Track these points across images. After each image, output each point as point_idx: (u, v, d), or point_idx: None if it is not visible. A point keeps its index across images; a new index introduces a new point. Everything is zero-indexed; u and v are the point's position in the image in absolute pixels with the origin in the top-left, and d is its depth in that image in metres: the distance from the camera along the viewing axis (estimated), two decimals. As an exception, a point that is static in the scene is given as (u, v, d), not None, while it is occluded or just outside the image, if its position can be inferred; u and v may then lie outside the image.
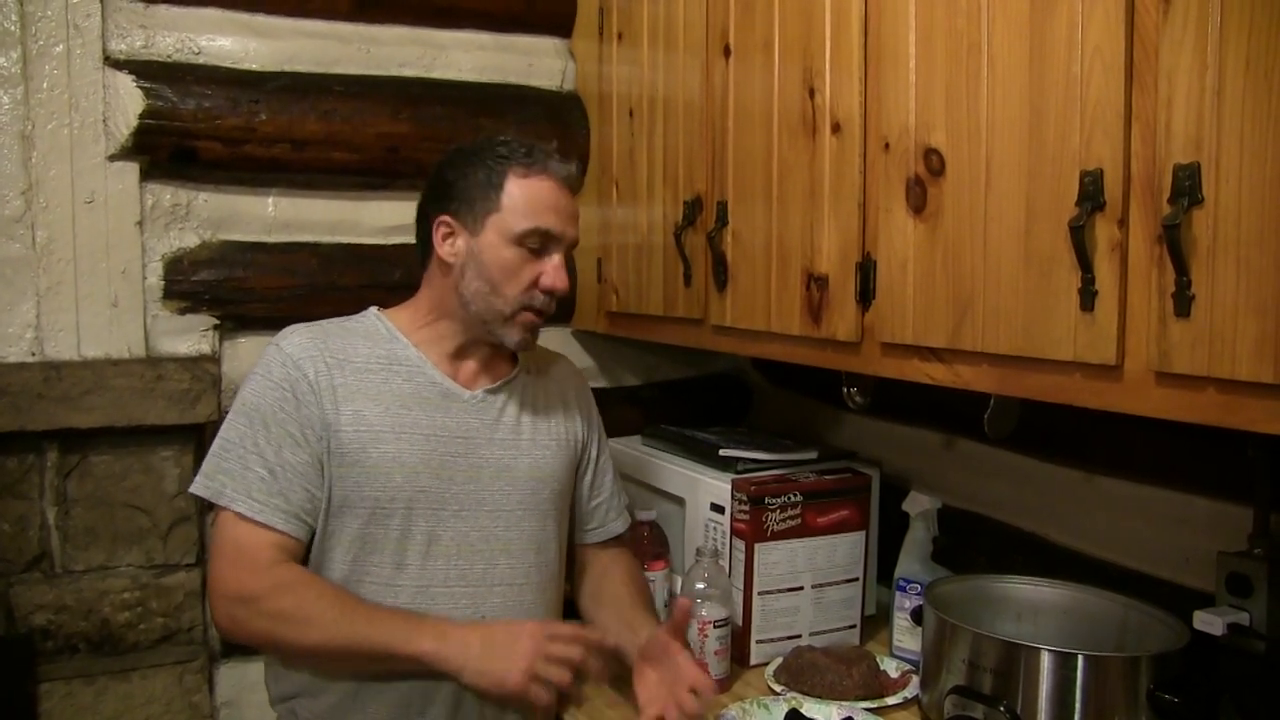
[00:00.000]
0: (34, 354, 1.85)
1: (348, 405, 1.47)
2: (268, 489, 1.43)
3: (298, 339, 1.51)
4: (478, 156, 1.53)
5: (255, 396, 1.47)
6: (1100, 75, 1.06)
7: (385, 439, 1.48)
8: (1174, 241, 0.97)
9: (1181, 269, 0.98)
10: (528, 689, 1.35)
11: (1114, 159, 1.05)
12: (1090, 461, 1.68)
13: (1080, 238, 1.07)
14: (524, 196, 1.50)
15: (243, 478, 1.43)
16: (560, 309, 2.24)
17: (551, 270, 1.51)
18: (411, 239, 2.10)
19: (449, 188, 1.53)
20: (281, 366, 1.48)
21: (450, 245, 1.52)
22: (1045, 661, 1.31)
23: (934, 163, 1.28)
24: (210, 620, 1.99)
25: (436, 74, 2.15)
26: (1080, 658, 1.30)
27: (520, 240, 1.49)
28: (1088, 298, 1.08)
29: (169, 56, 1.93)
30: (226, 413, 1.94)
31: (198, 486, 1.46)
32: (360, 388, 1.49)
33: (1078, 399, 1.13)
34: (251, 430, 1.45)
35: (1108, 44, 1.05)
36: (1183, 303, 0.98)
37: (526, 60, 2.25)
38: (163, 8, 1.93)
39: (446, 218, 1.52)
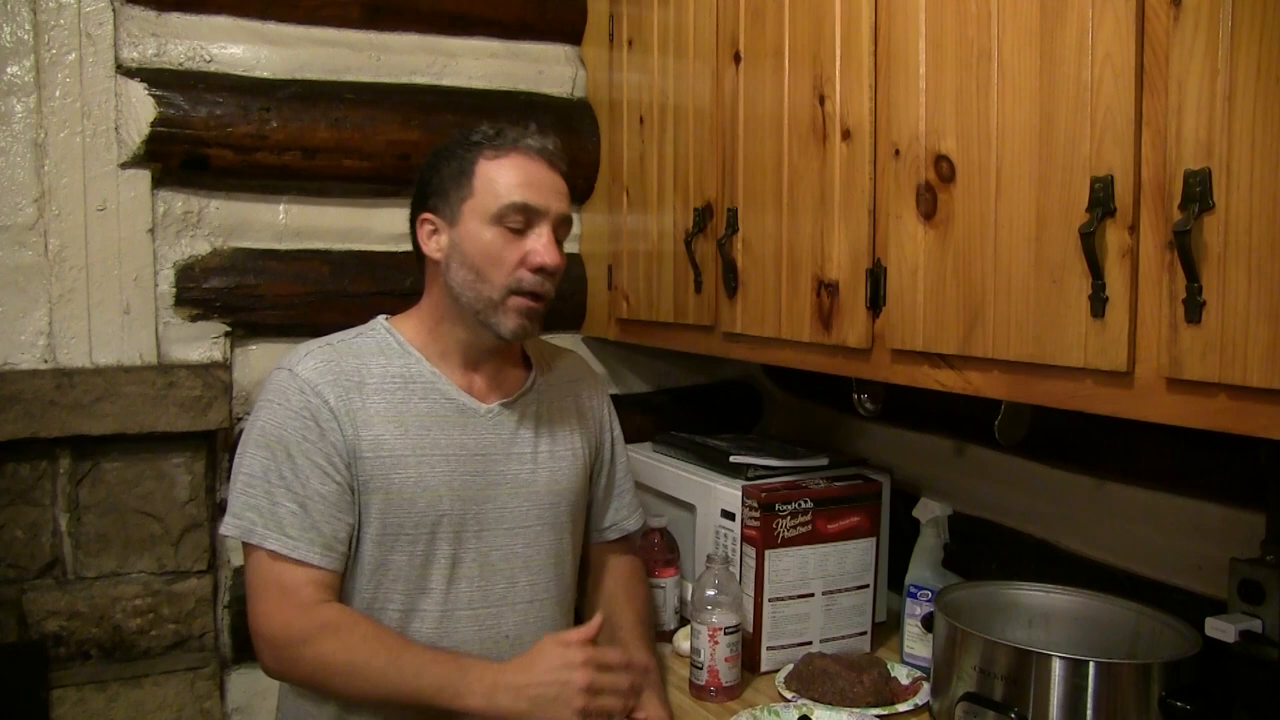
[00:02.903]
0: (46, 361, 1.86)
1: (368, 430, 1.44)
2: (300, 524, 1.39)
3: (312, 362, 1.46)
4: (449, 149, 1.51)
5: (275, 427, 1.42)
6: (1111, 81, 1.06)
7: (407, 463, 1.45)
8: (1185, 248, 0.97)
9: (1192, 275, 0.98)
10: None
11: (1124, 165, 1.05)
12: (1101, 468, 1.68)
13: (1091, 244, 1.07)
14: (496, 176, 1.46)
15: (272, 514, 1.39)
16: (571, 315, 2.28)
17: (539, 247, 1.45)
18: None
19: (426, 186, 1.52)
20: (300, 394, 1.43)
21: (435, 242, 1.50)
22: (1056, 668, 1.30)
23: (944, 169, 1.28)
24: (221, 627, 2.00)
25: (447, 81, 2.16)
26: (1092, 665, 1.29)
27: (499, 219, 1.45)
28: (1098, 304, 1.08)
29: (181, 64, 1.94)
30: (240, 419, 1.99)
31: (227, 527, 1.42)
32: (379, 410, 1.46)
33: (1089, 405, 1.12)
34: (275, 463, 1.40)
35: (1118, 50, 1.05)
36: (1194, 309, 0.98)
37: (537, 67, 2.25)
38: (174, 16, 1.94)
39: (427, 215, 1.51)
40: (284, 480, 1.40)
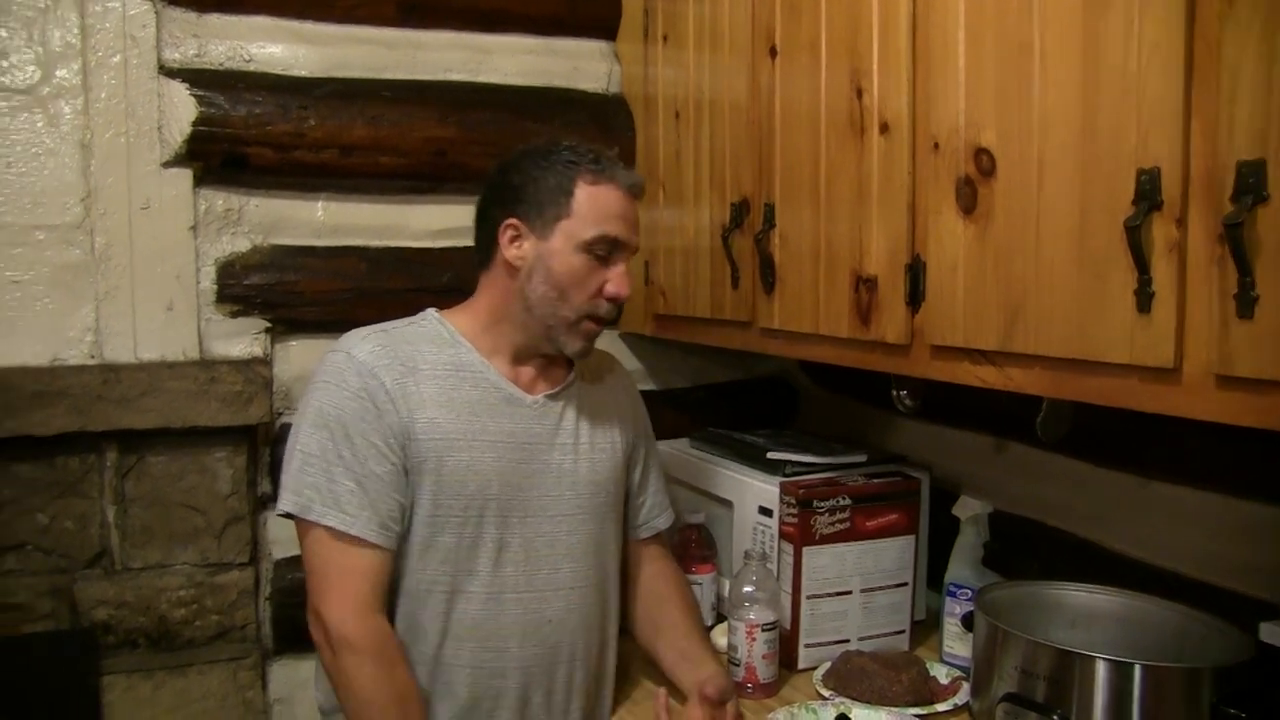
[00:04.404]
0: (93, 356, 1.89)
1: (422, 413, 1.47)
2: (358, 501, 1.42)
3: (369, 346, 1.49)
4: (546, 160, 1.52)
5: (333, 407, 1.45)
6: (1158, 71, 1.04)
7: (459, 447, 1.49)
8: (1236, 241, 0.95)
9: (1244, 269, 0.95)
10: None
11: (1172, 156, 1.03)
12: (1146, 466, 1.65)
13: (1136, 238, 1.05)
14: (593, 203, 1.50)
15: (330, 491, 1.42)
16: (607, 311, 2.27)
17: (616, 278, 1.52)
18: (459, 243, 2.13)
19: (516, 191, 1.52)
20: (357, 375, 1.46)
21: (517, 248, 1.52)
22: (1101, 671, 1.27)
23: (984, 163, 1.26)
24: (263, 618, 2.03)
25: (482, 78, 2.17)
26: (1138, 668, 1.27)
27: (588, 247, 1.49)
28: (1144, 299, 1.06)
29: (221, 64, 1.96)
30: (280, 414, 2.01)
31: (286, 503, 1.45)
32: (432, 395, 1.49)
33: (1134, 402, 1.10)
34: (334, 442, 1.44)
35: (1166, 39, 1.03)
36: (1245, 304, 0.96)
37: (572, 63, 2.25)
38: (215, 16, 1.97)
39: (514, 220, 1.52)
40: (342, 459, 1.43)
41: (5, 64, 1.83)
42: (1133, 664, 1.27)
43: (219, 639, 1.97)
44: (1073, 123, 1.13)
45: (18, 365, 1.83)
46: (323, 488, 1.42)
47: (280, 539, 2.03)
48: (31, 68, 1.84)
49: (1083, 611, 1.55)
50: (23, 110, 1.84)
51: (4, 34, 1.82)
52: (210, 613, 1.96)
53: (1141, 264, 1.06)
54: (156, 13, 1.90)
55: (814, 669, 1.69)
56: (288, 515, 1.46)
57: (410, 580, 1.49)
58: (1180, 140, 1.02)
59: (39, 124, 1.85)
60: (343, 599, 1.42)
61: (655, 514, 1.77)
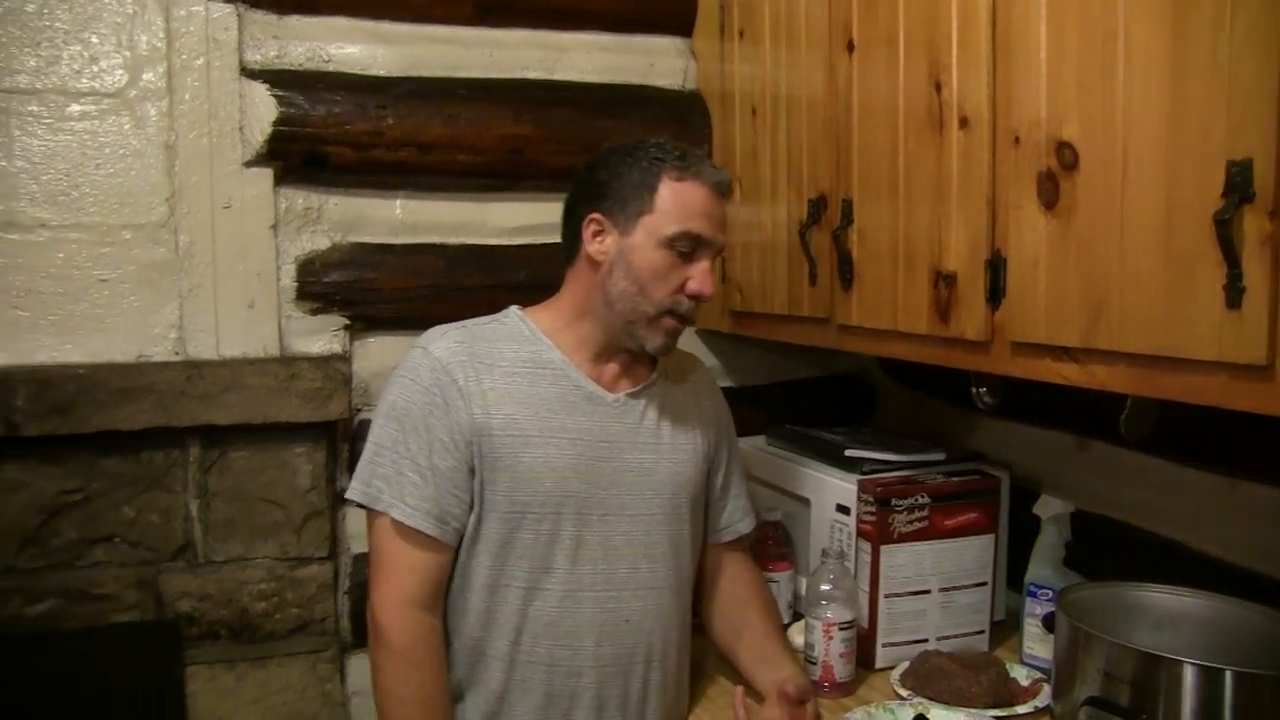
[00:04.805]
0: (177, 353, 1.94)
1: (499, 409, 1.48)
2: (419, 494, 1.45)
3: (446, 343, 1.51)
4: (632, 157, 1.52)
5: (405, 401, 1.48)
6: (1252, 58, 1.00)
7: (535, 443, 1.49)
8: (1334, 234, 0.91)
9: (1342, 263, 0.92)
10: None
11: (1265, 147, 0.99)
12: (1235, 467, 1.60)
13: (1226, 231, 1.01)
14: (677, 199, 1.49)
15: (397, 483, 1.46)
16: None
17: (699, 275, 1.50)
18: (536, 240, 2.14)
19: (601, 186, 1.53)
20: (431, 371, 1.48)
21: (599, 243, 1.52)
22: (1189, 676, 1.24)
23: (1067, 156, 1.23)
24: (341, 612, 2.07)
25: (558, 76, 2.18)
26: (1229, 674, 1.23)
27: (670, 243, 1.48)
28: (1234, 294, 1.02)
29: (301, 65, 2.00)
30: (359, 410, 2.05)
31: (355, 492, 1.49)
32: (509, 391, 1.50)
33: (1223, 400, 1.07)
34: (403, 435, 1.47)
35: (1263, 22, 0.99)
36: (1343, 299, 0.92)
37: (648, 60, 2.25)
38: (294, 18, 2.01)
39: (597, 215, 1.52)
40: (409, 453, 1.46)
41: (95, 69, 1.89)
42: (1223, 670, 1.23)
43: (299, 632, 2.01)
44: (1159, 113, 1.10)
45: (105, 362, 1.89)
46: (391, 478, 1.46)
47: (358, 534, 2.06)
48: (120, 71, 1.90)
49: (1168, 614, 1.51)
50: (111, 113, 1.90)
51: (95, 40, 1.88)
52: (290, 606, 2.01)
53: (1231, 258, 1.02)
54: (238, 15, 1.94)
55: (891, 668, 1.67)
56: (358, 505, 1.50)
57: (486, 576, 1.50)
58: (1274, 130, 0.98)
59: (126, 126, 1.91)
60: (389, 591, 1.47)
61: (737, 518, 1.76)
